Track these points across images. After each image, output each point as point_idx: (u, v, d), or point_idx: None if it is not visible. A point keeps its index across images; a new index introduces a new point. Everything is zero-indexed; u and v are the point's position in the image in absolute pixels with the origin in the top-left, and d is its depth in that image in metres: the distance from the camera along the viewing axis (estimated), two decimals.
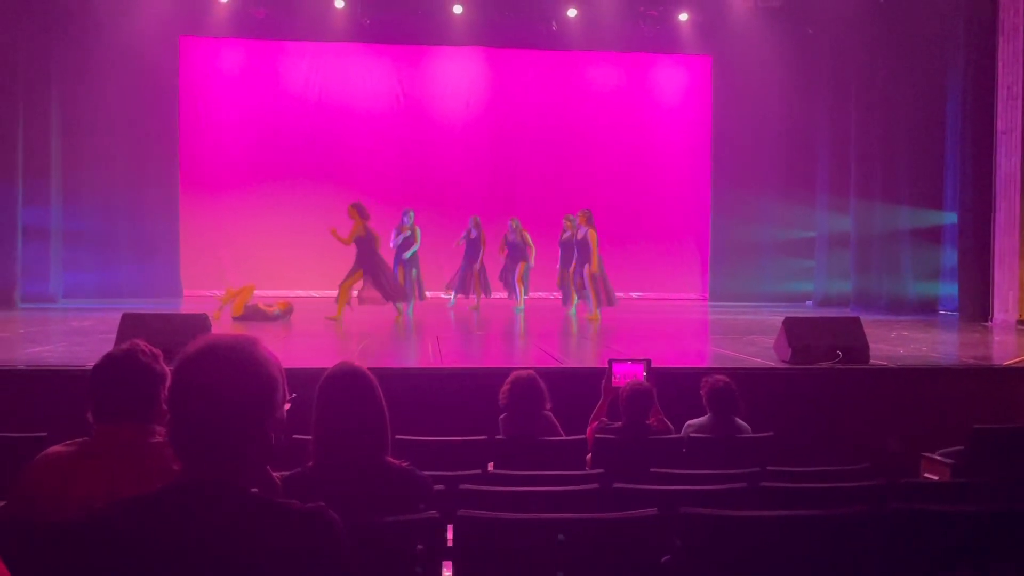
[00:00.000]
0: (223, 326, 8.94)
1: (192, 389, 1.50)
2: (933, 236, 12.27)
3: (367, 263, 10.03)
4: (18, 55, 11.84)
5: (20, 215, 11.98)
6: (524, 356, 7.71)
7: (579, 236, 10.96)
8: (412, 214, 11.59)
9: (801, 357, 6.41)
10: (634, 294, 14.98)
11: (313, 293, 13.94)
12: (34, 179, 12.31)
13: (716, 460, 4.04)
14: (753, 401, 4.90)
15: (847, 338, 6.61)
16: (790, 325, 6.64)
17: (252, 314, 10.16)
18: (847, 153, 13.34)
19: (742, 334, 8.95)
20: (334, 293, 10.26)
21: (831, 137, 13.89)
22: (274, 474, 2.42)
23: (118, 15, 12.59)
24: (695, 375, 5.23)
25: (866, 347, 6.62)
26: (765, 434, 4.49)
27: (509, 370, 6.01)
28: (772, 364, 6.54)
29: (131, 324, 6.07)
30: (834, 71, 13.67)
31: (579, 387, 5.21)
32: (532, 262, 12.19)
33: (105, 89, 13.04)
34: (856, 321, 6.89)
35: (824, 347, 6.48)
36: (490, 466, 3.98)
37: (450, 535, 2.65)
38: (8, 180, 11.83)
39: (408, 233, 11.40)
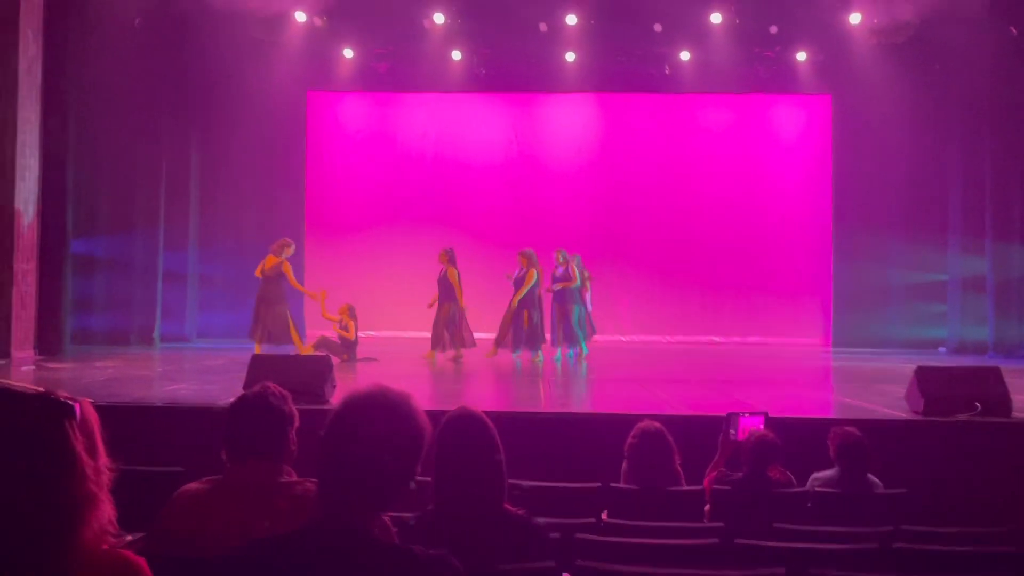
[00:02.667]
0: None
1: (355, 435, 1.54)
2: None
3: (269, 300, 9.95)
4: (162, 113, 12.81)
5: (161, 259, 12.86)
6: (634, 401, 7.56)
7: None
8: (579, 258, 11.59)
9: (935, 409, 6.04)
10: (752, 339, 14.57)
11: (428, 335, 14.23)
12: (174, 226, 13.25)
13: (844, 517, 3.83)
14: (883, 455, 4.64)
15: (986, 388, 6.18)
16: (923, 374, 6.28)
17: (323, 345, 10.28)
18: (982, 193, 12.63)
19: (869, 383, 8.53)
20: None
21: (963, 176, 13.19)
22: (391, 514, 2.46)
23: (252, 72, 13.43)
24: (817, 426, 5.02)
25: (1008, 398, 6.17)
26: (897, 491, 4.25)
27: (619, 416, 5.95)
28: (904, 415, 6.19)
29: (259, 365, 6.37)
30: (965, 107, 13.02)
31: (693, 435, 5.07)
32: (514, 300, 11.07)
33: (239, 141, 13.87)
34: (996, 371, 6.44)
35: (961, 398, 6.09)
36: (603, 514, 3.92)
37: None
38: (152, 227, 12.76)
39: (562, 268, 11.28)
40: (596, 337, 12.36)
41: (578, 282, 11.27)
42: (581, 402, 8.08)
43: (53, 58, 10.31)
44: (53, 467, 1.50)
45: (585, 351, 11.20)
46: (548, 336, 11.21)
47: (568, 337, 11.15)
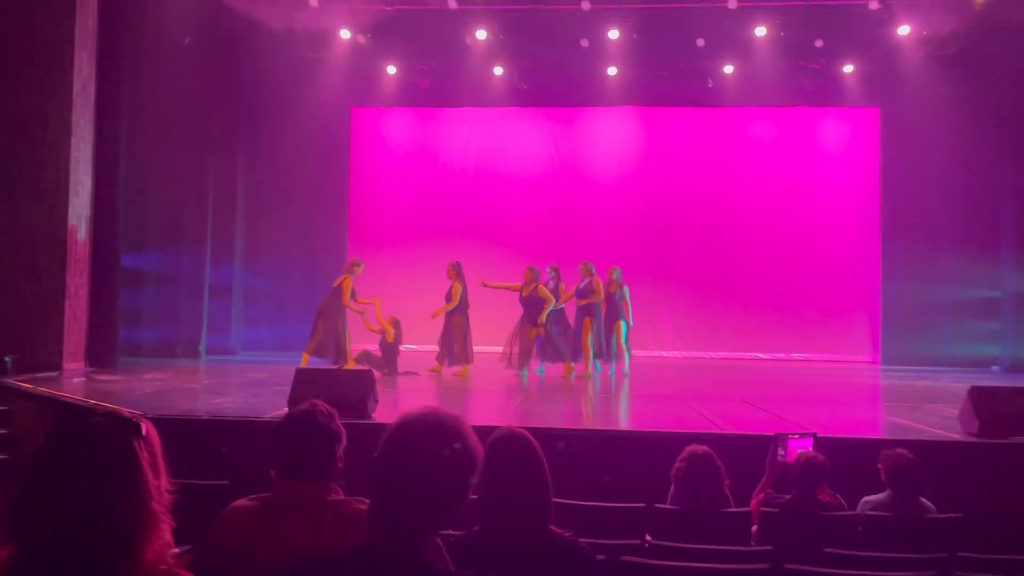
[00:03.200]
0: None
1: (409, 457, 1.54)
2: None
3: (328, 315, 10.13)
4: (210, 129, 13.08)
5: (208, 274, 13.10)
6: (678, 419, 7.47)
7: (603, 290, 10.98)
8: (619, 269, 11.54)
9: (991, 430, 5.86)
10: (796, 355, 14.34)
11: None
12: (221, 241, 13.51)
13: (897, 542, 3.73)
14: (936, 478, 4.52)
15: None
16: (977, 394, 6.10)
17: (364, 359, 10.34)
18: None
19: (921, 402, 8.32)
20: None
21: (1016, 189, 12.88)
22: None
23: (297, 89, 13.68)
24: (867, 447, 4.90)
25: None
26: (952, 515, 4.12)
27: (663, 434, 5.87)
28: (957, 437, 6.02)
29: (304, 378, 6.42)
30: (1018, 119, 12.73)
31: (740, 455, 4.98)
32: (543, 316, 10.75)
33: (284, 157, 14.11)
34: None
35: (1017, 419, 5.90)
36: (647, 535, 3.86)
37: None
38: (199, 242, 13.02)
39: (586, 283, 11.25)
40: (636, 352, 12.20)
41: (602, 295, 11.08)
42: (623, 419, 8.01)
43: (106, 78, 10.57)
44: (120, 485, 1.51)
45: (589, 371, 10.84)
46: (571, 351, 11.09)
47: (578, 352, 10.86)
